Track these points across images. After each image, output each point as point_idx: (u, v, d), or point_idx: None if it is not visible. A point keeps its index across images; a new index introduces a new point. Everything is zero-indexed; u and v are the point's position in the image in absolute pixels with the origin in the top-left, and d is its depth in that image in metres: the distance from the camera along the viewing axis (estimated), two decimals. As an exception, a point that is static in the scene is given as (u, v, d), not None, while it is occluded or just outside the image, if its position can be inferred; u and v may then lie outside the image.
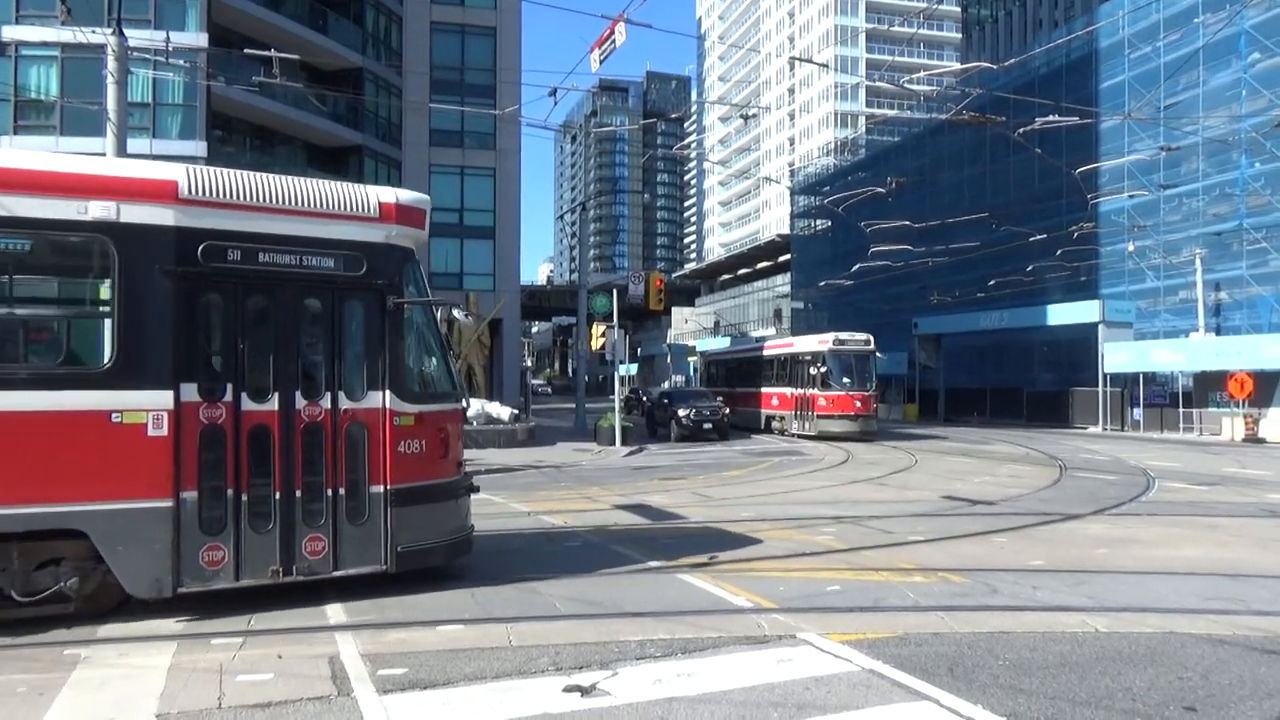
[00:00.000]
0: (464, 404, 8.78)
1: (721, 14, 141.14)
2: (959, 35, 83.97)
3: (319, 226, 7.70)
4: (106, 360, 6.91)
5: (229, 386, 7.30)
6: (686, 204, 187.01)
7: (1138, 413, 38.14)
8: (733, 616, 7.22)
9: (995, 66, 18.92)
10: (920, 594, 8.03)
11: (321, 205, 7.76)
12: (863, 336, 32.44)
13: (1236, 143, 37.26)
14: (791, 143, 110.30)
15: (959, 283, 47.93)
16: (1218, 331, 38.96)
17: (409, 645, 6.37)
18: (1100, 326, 39.67)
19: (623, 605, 7.54)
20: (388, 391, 7.86)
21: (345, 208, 7.86)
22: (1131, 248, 41.25)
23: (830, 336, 32.27)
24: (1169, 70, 40.53)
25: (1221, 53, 38.44)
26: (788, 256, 73.56)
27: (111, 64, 16.09)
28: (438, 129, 36.24)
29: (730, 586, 8.26)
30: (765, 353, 36.94)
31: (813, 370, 31.38)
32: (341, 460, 7.66)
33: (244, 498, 7.24)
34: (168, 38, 17.45)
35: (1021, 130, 17.32)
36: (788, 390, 33.42)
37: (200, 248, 7.16)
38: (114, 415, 6.80)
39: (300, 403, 7.55)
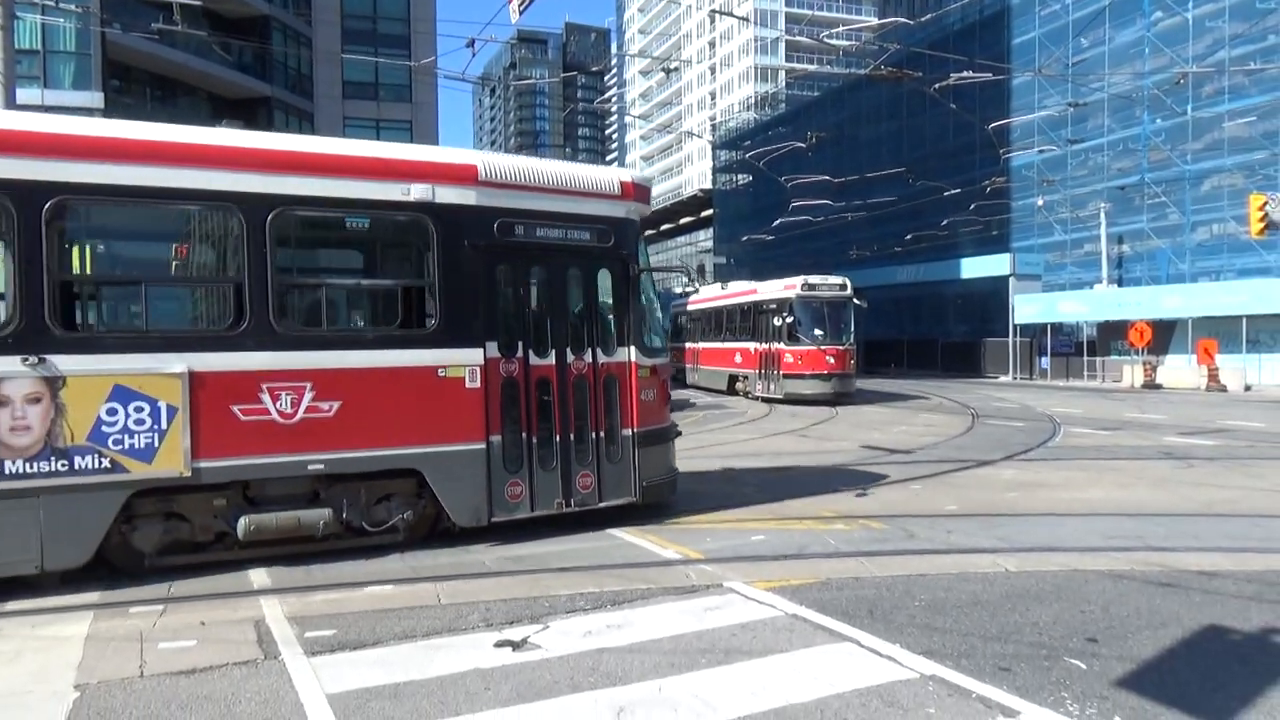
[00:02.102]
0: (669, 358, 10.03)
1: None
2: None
3: (579, 204, 8.87)
4: (432, 323, 8.01)
5: (520, 344, 8.46)
6: (608, 158, 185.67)
7: (1045, 362, 39.70)
8: (661, 569, 7.34)
9: (911, 22, 19.02)
10: (841, 541, 8.29)
11: (580, 185, 8.92)
12: (837, 280, 27.31)
13: (1139, 99, 38.58)
14: (713, 97, 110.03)
15: (876, 237, 48.89)
16: (1120, 283, 40.65)
17: (337, 607, 6.32)
18: (1011, 279, 41.04)
19: (551, 561, 7.59)
20: (632, 347, 9.13)
21: (597, 187, 9.03)
22: (1040, 202, 42.59)
23: (799, 280, 26.63)
24: (1077, 27, 41.61)
25: (1127, 11, 39.58)
26: (710, 211, 73.75)
27: (-5, 8, 15.08)
28: (351, 81, 35.11)
29: (658, 539, 8.39)
30: (725, 302, 31.20)
31: (777, 321, 26.36)
32: (601, 408, 8.92)
33: (534, 440, 8.46)
34: (57, -21, 16.42)
35: (937, 86, 17.62)
36: (750, 345, 28.28)
37: (495, 224, 8.27)
38: (440, 370, 7.92)
39: (570, 358, 8.77)
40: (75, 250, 7.36)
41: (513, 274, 8.54)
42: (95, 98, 24.97)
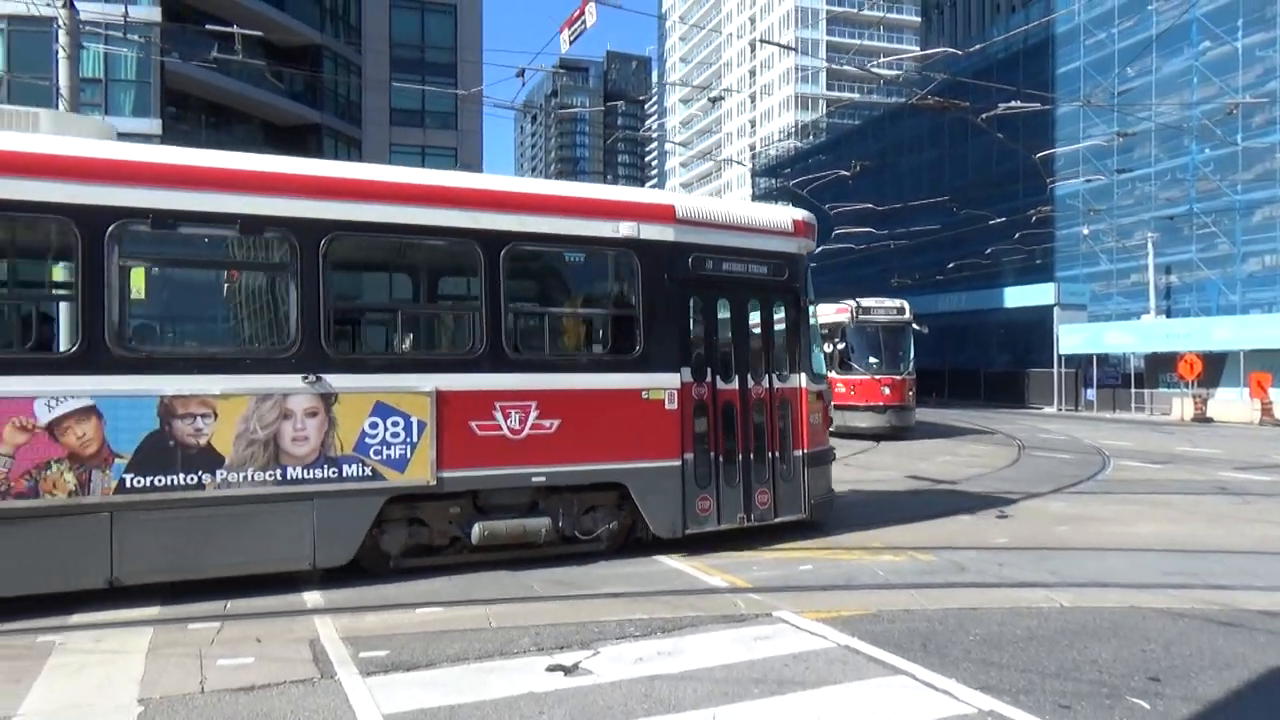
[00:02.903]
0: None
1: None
2: (918, 19, 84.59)
3: (758, 240, 9.60)
4: (637, 349, 8.72)
5: (708, 370, 9.16)
6: (648, 185, 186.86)
7: (1091, 393, 39.01)
8: (709, 597, 7.32)
9: (960, 52, 19.07)
10: (890, 572, 8.21)
11: (758, 224, 9.68)
12: (895, 303, 25.79)
13: (1188, 129, 38.07)
14: (753, 125, 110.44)
15: (918, 265, 48.50)
16: (1168, 314, 39.94)
17: (389, 628, 6.38)
18: (1055, 309, 40.46)
19: (599, 586, 7.61)
20: (803, 374, 9.85)
21: (773, 225, 9.77)
22: (1086, 231, 42.06)
23: (852, 303, 24.99)
24: (1123, 57, 41.24)
25: (1174, 40, 39.14)
26: (749, 239, 73.50)
27: (63, 38, 15.63)
28: (399, 108, 35.77)
29: (705, 567, 8.37)
30: None
31: (828, 348, 23.67)
32: (776, 430, 9.59)
33: (720, 459, 9.13)
34: (126, 12, 17.02)
35: (984, 115, 17.57)
36: None
37: (689, 258, 9.01)
38: (644, 393, 8.67)
39: (750, 383, 9.46)
40: (343, 280, 8.30)
41: (702, 305, 9.27)
42: (154, 124, 25.69)
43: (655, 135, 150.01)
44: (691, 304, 9.10)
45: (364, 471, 7.49)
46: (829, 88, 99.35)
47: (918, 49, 65.70)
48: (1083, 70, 42.80)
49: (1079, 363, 39.95)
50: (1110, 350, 39.35)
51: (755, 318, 9.68)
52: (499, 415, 7.98)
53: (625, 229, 8.66)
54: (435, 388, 7.74)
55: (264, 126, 33.03)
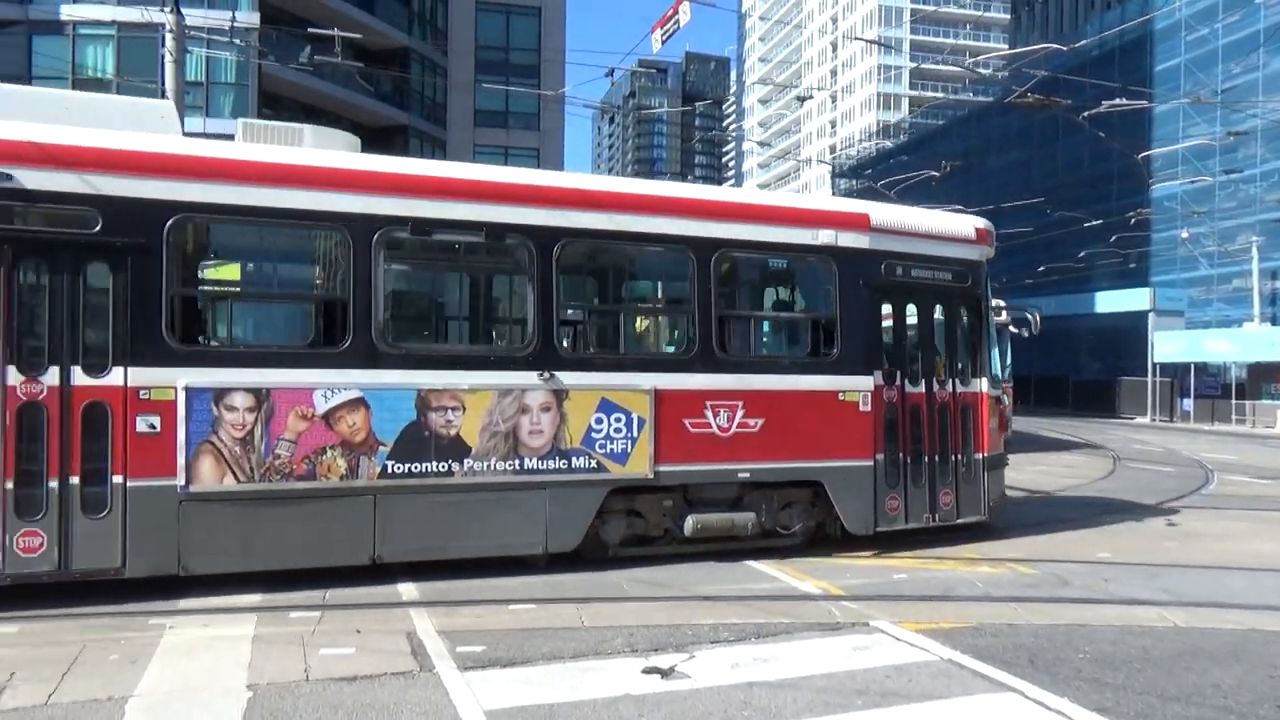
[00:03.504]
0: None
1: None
2: (1006, 16, 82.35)
3: (943, 248, 9.82)
4: (834, 352, 8.99)
5: (898, 373, 9.35)
6: (726, 185, 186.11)
7: (1188, 403, 37.42)
8: (803, 603, 7.19)
9: (1065, 48, 18.44)
10: (989, 584, 7.95)
11: (943, 231, 9.94)
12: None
13: (1298, 128, 36.20)
14: (833, 125, 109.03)
15: (1006, 269, 47.03)
16: (1273, 321, 38.09)
17: (483, 624, 6.42)
18: (1150, 315, 38.90)
19: (689, 589, 7.54)
20: (984, 379, 10.00)
21: (957, 233, 10.02)
22: (1185, 235, 40.33)
23: None
24: (1228, 53, 39.47)
25: (1284, 35, 37.29)
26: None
27: (170, 43, 16.23)
28: (482, 109, 36.24)
29: (795, 572, 8.23)
30: None
31: None
32: (959, 433, 9.76)
33: (908, 459, 9.34)
34: (233, 18, 17.60)
35: (1086, 114, 16.96)
36: None
37: (882, 265, 9.26)
38: (840, 394, 8.93)
39: (935, 387, 9.66)
40: (572, 284, 8.81)
41: (893, 310, 9.57)
42: (250, 126, 26.51)
43: (734, 136, 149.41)
44: (883, 309, 9.40)
45: (590, 464, 8.00)
46: (912, 87, 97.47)
47: (1005, 47, 63.95)
48: (1183, 67, 41.13)
49: (1175, 371, 38.35)
50: (1209, 359, 37.67)
51: (940, 323, 9.95)
52: (709, 413, 8.40)
53: (824, 236, 9.00)
54: (654, 386, 8.20)
55: (353, 127, 33.80)
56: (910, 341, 9.68)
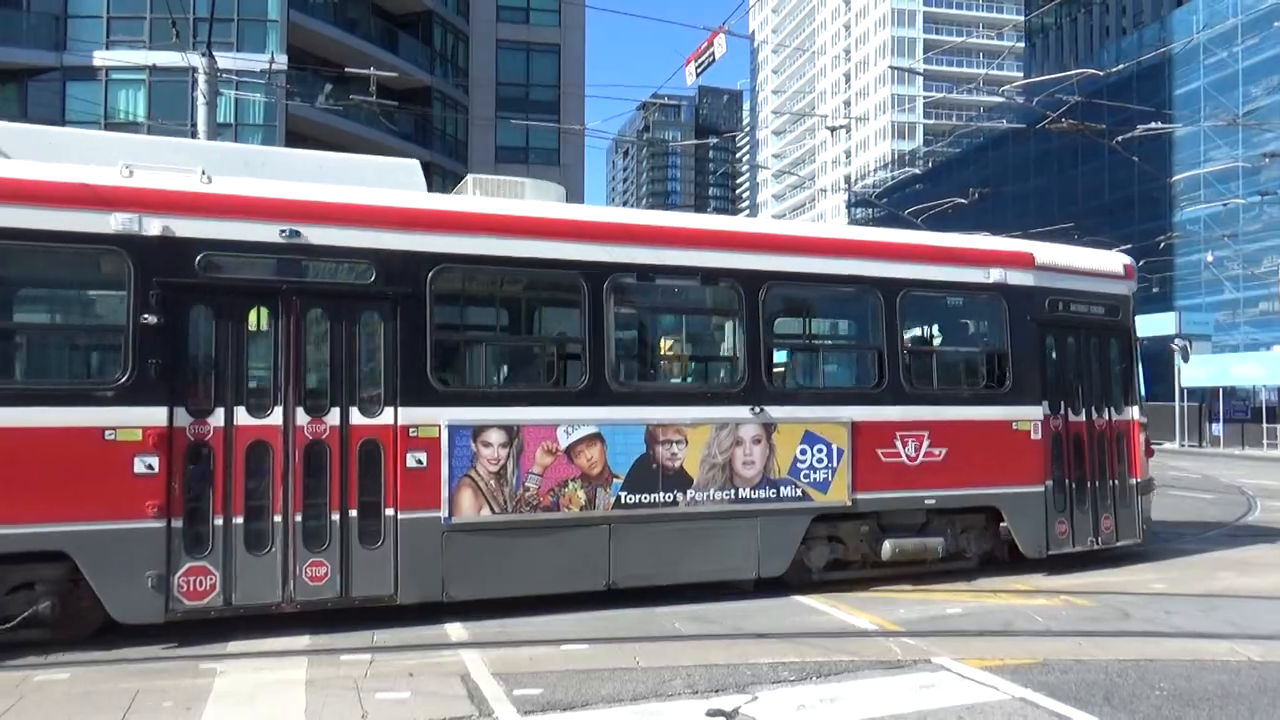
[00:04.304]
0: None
1: (775, 27, 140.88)
2: (1021, 44, 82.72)
3: (1097, 284, 10.45)
4: (1007, 384, 9.56)
5: (1061, 403, 9.88)
6: (742, 215, 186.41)
7: (1218, 428, 36.88)
8: (861, 640, 7.02)
9: (1101, 72, 18.49)
10: (1049, 618, 7.75)
11: (1098, 268, 10.59)
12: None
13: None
14: (847, 155, 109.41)
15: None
16: (1303, 344, 37.56)
17: (537, 665, 6.28)
18: (1177, 339, 38.46)
19: (744, 626, 7.38)
20: (1135, 407, 10.59)
21: (1108, 269, 10.68)
22: (1210, 258, 40.00)
23: None
24: (1247, 76, 39.39)
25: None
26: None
27: (202, 85, 16.45)
28: (504, 145, 36.59)
29: (846, 607, 8.07)
30: None
31: None
32: (1113, 459, 10.27)
33: (1073, 485, 9.84)
34: (271, 59, 17.87)
35: (1120, 138, 16.89)
36: None
37: (1046, 301, 9.83)
38: (1014, 424, 9.48)
39: (1094, 415, 10.20)
40: (776, 324, 9.22)
41: (1056, 344, 10.07)
42: (276, 165, 26.81)
43: (747, 168, 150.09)
44: (1047, 343, 9.91)
45: (796, 493, 8.49)
46: (926, 115, 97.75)
47: (1020, 75, 64.08)
48: (1203, 91, 41.09)
49: (1203, 396, 37.85)
50: (1238, 383, 37.14)
51: (1096, 354, 10.45)
52: (899, 443, 8.91)
53: (995, 275, 9.59)
54: (851, 418, 8.71)
55: (376, 165, 34.17)
56: (1072, 373, 10.16)
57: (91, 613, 6.58)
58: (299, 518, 6.94)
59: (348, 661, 6.31)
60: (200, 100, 16.52)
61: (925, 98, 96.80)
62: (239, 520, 6.80)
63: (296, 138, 30.71)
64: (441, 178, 35.96)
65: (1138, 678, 6.06)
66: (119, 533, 6.45)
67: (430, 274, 7.43)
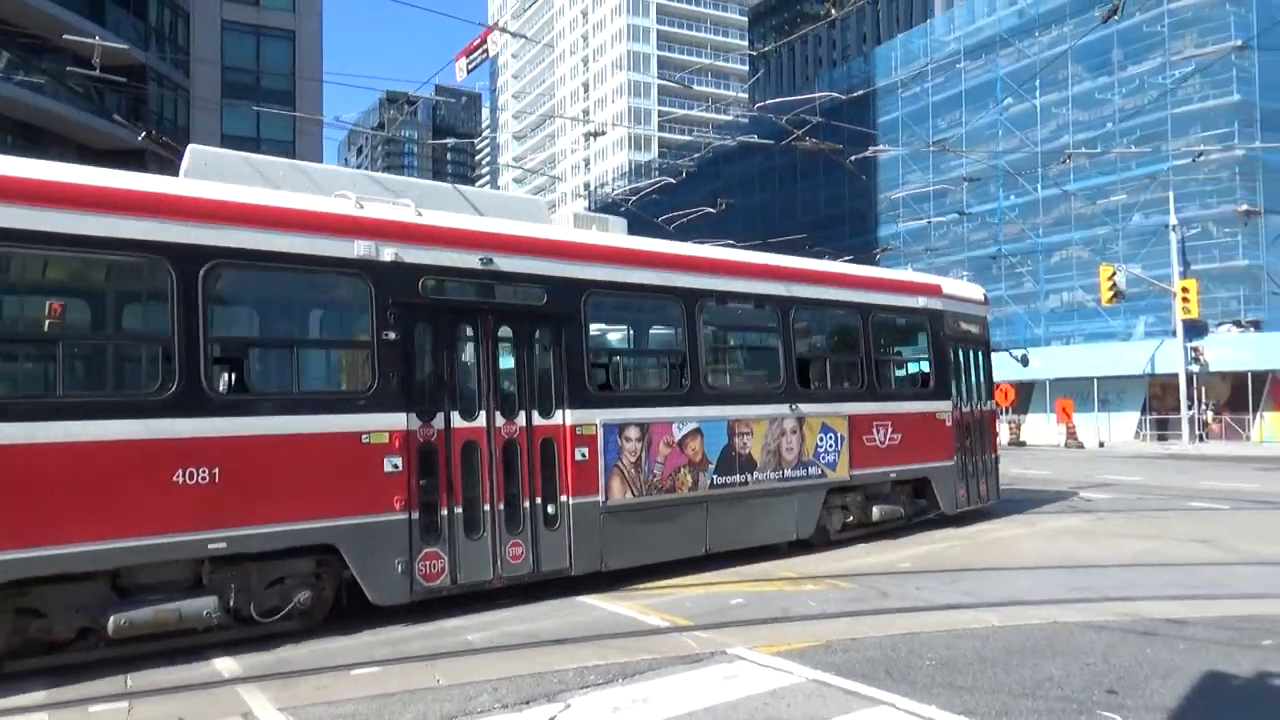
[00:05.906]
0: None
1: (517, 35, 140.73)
2: (744, 67, 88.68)
3: (972, 309, 14.05)
4: (930, 385, 12.87)
5: (961, 399, 13.35)
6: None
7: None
8: (656, 637, 7.12)
9: (844, 97, 19.94)
10: (821, 602, 8.27)
11: (972, 297, 14.28)
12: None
13: (994, 177, 41.48)
14: (587, 164, 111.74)
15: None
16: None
17: (327, 694, 5.81)
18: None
19: (539, 634, 7.25)
20: (992, 400, 14.72)
21: (977, 297, 14.41)
22: (910, 271, 44.74)
23: None
24: (936, 110, 44.62)
25: (981, 96, 42.75)
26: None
27: None
28: (231, 134, 33.76)
29: (634, 605, 8.17)
30: None
31: None
32: (984, 439, 13.94)
33: (965, 461, 13.28)
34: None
35: (854, 157, 18.54)
36: None
37: (945, 321, 13.06)
38: (937, 414, 12.74)
39: (973, 407, 13.70)
40: (802, 339, 11.33)
41: (957, 353, 13.23)
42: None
43: (488, 170, 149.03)
44: (951, 354, 13.02)
45: (817, 472, 10.91)
46: (661, 129, 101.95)
47: (744, 94, 68.79)
48: (900, 120, 45.95)
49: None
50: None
51: (973, 361, 13.73)
52: (875, 431, 11.64)
53: (922, 301, 12.73)
54: (848, 413, 11.32)
55: (79, 150, 30.30)
56: (965, 374, 13.38)
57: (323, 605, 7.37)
58: (502, 506, 8.11)
59: (99, 712, 5.50)
60: None
61: (660, 113, 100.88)
62: (459, 510, 7.86)
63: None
64: (159, 164, 32.62)
65: (908, 651, 6.61)
66: (377, 525, 7.37)
67: (584, 296, 8.96)
